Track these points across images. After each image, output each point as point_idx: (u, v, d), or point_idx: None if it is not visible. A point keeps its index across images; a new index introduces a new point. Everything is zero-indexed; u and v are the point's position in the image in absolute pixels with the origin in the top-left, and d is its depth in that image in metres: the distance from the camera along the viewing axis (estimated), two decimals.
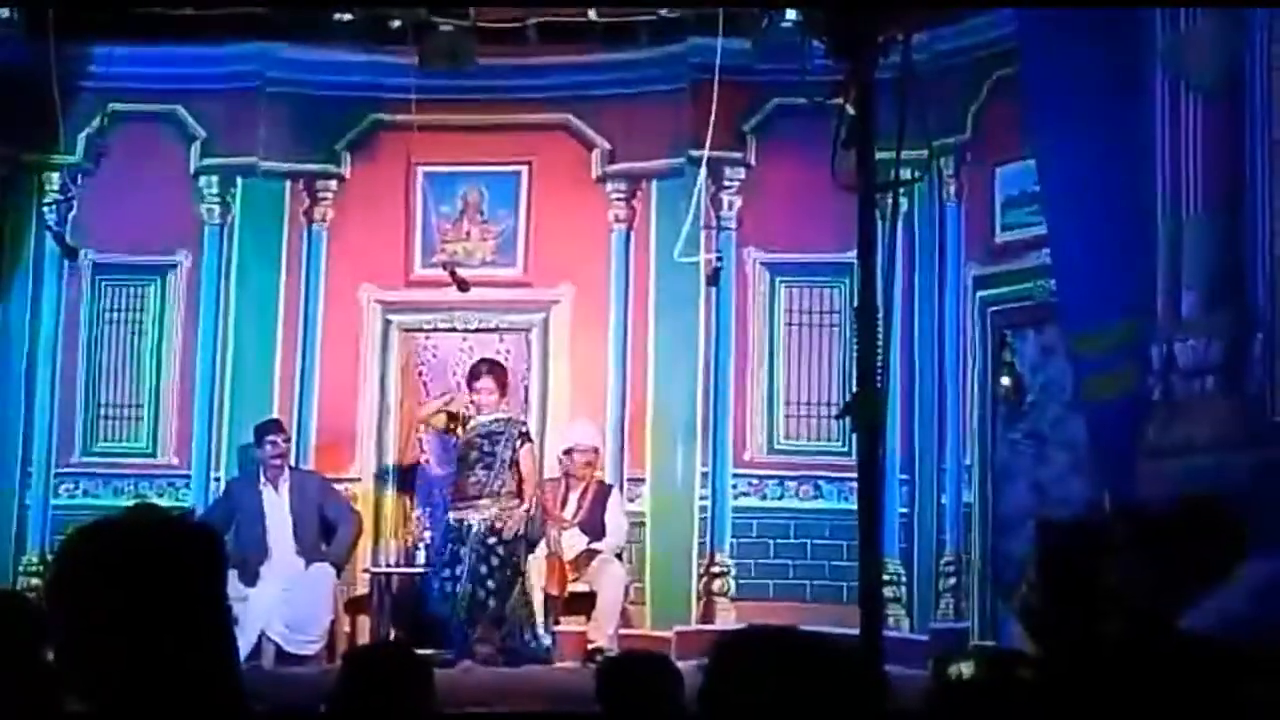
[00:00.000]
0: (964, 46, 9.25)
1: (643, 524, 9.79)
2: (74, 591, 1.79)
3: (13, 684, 3.11)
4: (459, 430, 9.12)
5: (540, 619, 9.00)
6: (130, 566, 1.79)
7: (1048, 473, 8.84)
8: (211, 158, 10.26)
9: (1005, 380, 9.17)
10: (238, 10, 10.02)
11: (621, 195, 10.21)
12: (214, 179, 10.27)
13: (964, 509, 9.28)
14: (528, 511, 8.99)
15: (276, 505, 9.27)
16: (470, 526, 8.85)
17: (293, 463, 9.58)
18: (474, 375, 9.18)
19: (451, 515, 9.01)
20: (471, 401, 9.10)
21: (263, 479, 9.35)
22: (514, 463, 8.99)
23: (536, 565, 9.21)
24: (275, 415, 9.71)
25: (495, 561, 8.81)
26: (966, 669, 6.17)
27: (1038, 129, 7.90)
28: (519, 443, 9.03)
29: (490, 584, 8.79)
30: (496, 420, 9.06)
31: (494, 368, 9.25)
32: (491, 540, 8.82)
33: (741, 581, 9.71)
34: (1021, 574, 8.49)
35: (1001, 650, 7.75)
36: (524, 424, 9.31)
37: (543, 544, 9.26)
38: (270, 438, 9.37)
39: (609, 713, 4.00)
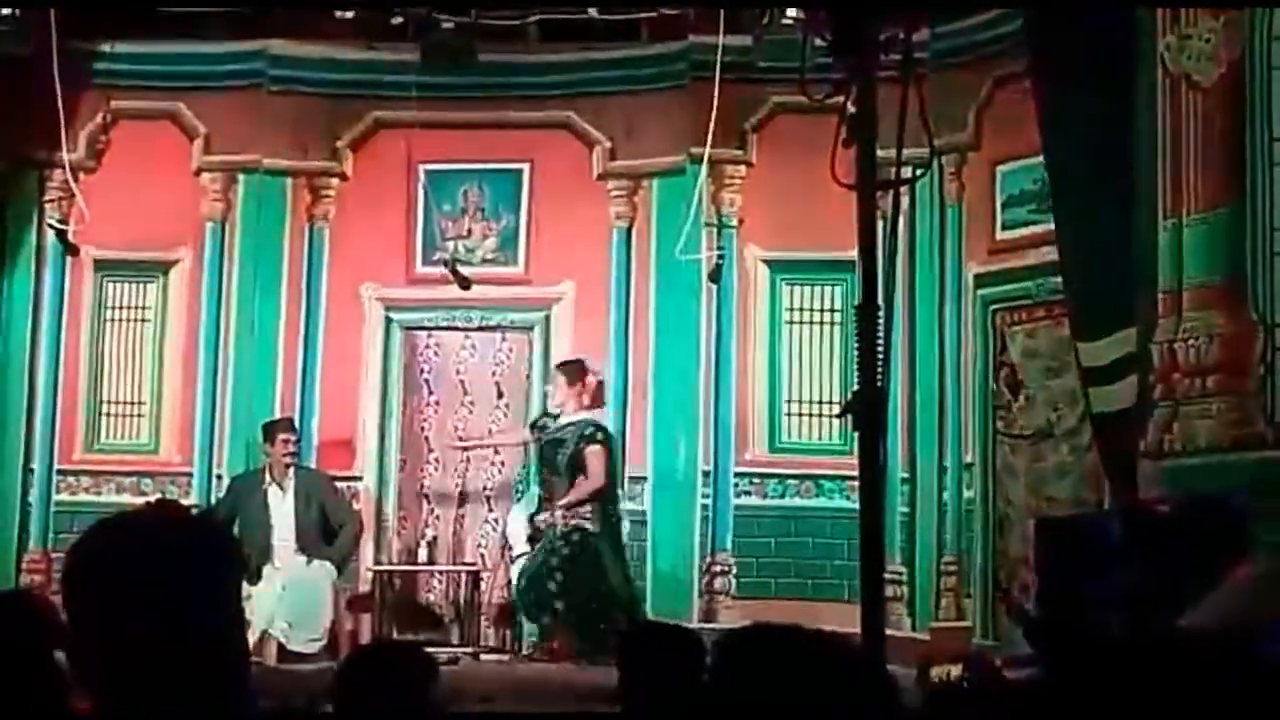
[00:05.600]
0: (965, 44, 9.25)
1: (644, 522, 9.80)
2: (92, 586, 1.80)
3: (21, 684, 3.11)
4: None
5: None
6: (148, 562, 1.79)
7: (1048, 471, 8.84)
8: (213, 155, 10.27)
9: (1005, 378, 9.17)
10: (240, 8, 10.03)
11: (622, 193, 10.21)
12: (216, 176, 10.28)
13: (965, 507, 9.29)
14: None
15: (281, 503, 9.28)
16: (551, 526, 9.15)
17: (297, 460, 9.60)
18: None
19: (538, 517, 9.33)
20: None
21: (268, 477, 9.36)
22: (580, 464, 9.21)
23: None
24: (277, 413, 9.73)
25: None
26: (950, 673, 6.18)
27: (1044, 127, 7.90)
28: (583, 444, 9.17)
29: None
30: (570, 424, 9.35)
31: (564, 366, 9.48)
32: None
33: (743, 580, 9.71)
34: (1019, 574, 8.53)
35: (985, 652, 7.76)
36: (591, 425, 9.34)
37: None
38: (283, 436, 9.40)
39: (629, 682, 3.94)
